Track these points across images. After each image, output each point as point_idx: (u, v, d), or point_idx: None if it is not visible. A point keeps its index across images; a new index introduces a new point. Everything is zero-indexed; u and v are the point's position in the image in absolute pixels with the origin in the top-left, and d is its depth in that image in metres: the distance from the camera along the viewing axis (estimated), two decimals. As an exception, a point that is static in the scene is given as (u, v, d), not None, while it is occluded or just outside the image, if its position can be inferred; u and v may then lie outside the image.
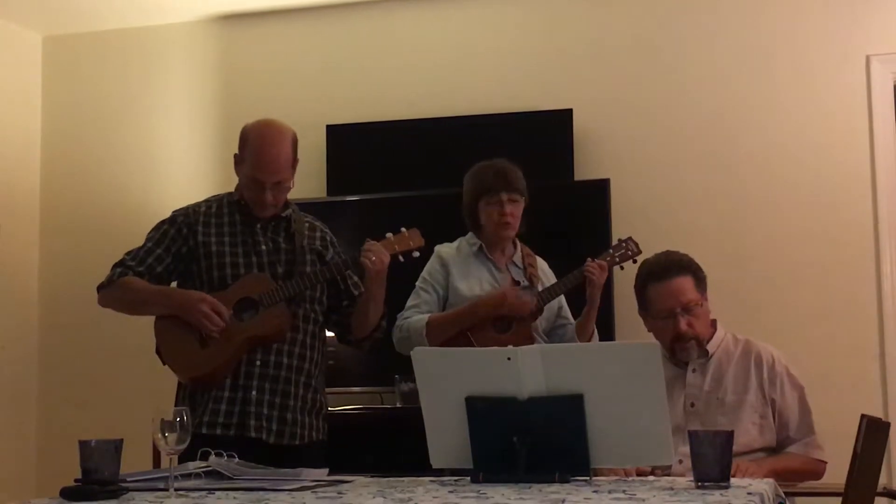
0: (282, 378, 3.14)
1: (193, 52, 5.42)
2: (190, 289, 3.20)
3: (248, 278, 3.15)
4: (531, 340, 3.40)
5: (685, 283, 3.12)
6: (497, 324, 3.44)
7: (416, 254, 3.23)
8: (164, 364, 3.17)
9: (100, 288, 3.23)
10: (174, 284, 3.27)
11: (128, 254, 3.24)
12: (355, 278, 3.30)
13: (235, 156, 3.22)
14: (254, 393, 3.10)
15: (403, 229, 3.23)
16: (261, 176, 3.12)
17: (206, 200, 3.31)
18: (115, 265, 3.23)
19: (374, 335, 3.29)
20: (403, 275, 3.35)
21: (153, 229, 3.27)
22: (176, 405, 3.11)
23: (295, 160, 3.19)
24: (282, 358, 3.14)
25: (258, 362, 3.12)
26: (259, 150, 3.13)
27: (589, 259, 3.49)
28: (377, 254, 3.13)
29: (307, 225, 3.28)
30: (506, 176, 3.46)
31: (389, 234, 3.21)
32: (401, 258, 3.20)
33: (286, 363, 3.15)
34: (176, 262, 3.22)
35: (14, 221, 5.38)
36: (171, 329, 3.12)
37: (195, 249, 3.19)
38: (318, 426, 3.23)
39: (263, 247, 3.19)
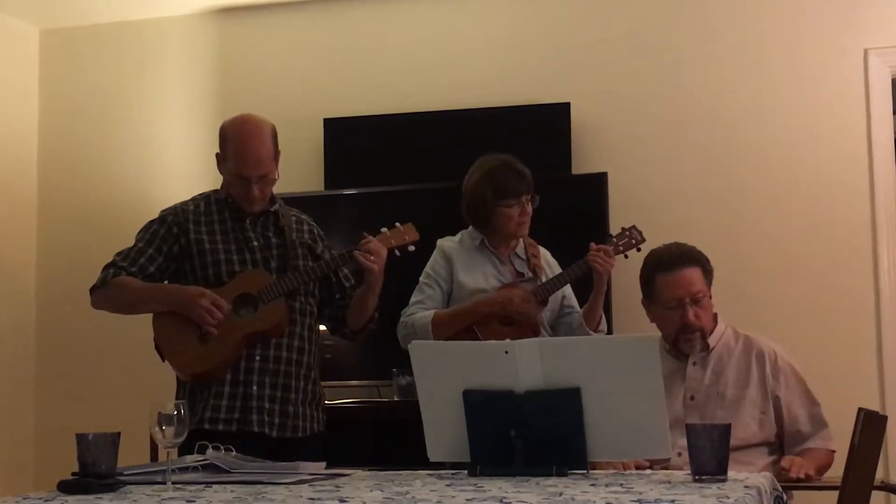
0: (282, 372, 3.14)
1: (190, 45, 5.41)
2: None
3: (247, 274, 3.15)
4: (537, 332, 3.39)
5: (694, 274, 3.15)
6: (503, 317, 3.42)
7: (412, 247, 3.25)
8: (163, 361, 3.16)
9: (93, 290, 3.21)
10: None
11: (118, 255, 3.22)
12: (346, 271, 3.30)
13: (217, 155, 3.22)
14: (254, 388, 3.10)
15: (398, 224, 3.25)
16: (245, 172, 3.13)
17: (193, 199, 3.29)
18: (107, 266, 3.20)
19: (368, 326, 3.31)
20: (402, 269, 3.34)
21: (142, 230, 3.24)
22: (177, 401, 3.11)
23: (276, 152, 3.19)
24: (281, 352, 3.15)
25: (258, 357, 3.12)
26: (241, 146, 3.14)
27: (592, 244, 3.42)
28: (375, 252, 3.14)
29: (294, 218, 3.30)
30: (526, 177, 3.43)
31: (385, 229, 3.23)
32: (397, 252, 3.22)
33: (286, 357, 3.15)
34: (168, 261, 3.20)
35: (11, 215, 5.37)
36: (169, 325, 3.11)
37: (187, 248, 3.18)
38: (318, 417, 3.25)
39: (255, 242, 3.19)
